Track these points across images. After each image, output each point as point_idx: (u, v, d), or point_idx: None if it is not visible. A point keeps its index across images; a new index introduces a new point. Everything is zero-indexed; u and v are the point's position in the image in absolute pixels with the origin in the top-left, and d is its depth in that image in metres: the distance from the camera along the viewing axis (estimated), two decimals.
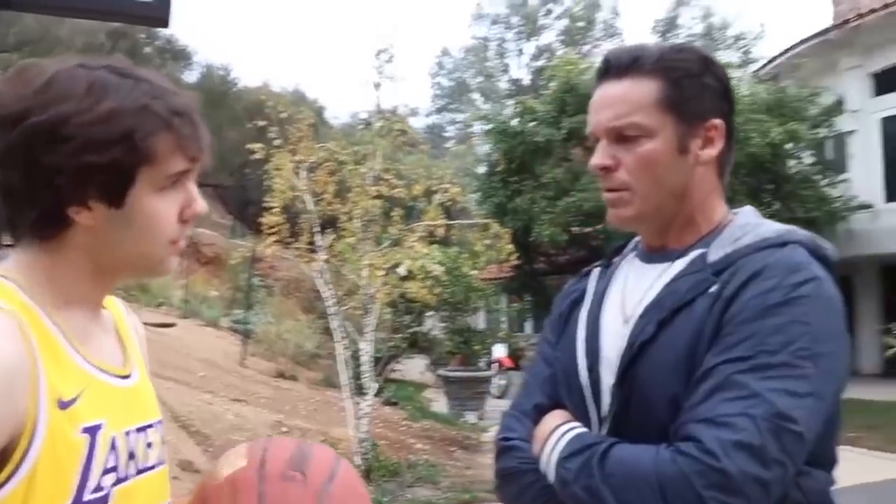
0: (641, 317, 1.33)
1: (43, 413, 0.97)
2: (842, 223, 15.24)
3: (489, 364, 16.30)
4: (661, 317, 1.29)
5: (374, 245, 8.68)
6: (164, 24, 2.97)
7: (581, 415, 1.37)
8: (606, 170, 1.37)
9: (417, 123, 41.61)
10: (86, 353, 1.09)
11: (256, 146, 8.45)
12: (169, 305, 18.22)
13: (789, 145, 15.03)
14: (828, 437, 1.27)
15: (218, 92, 28.37)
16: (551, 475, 1.28)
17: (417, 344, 15.14)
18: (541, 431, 1.36)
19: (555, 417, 1.37)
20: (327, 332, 9.04)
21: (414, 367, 16.86)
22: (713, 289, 1.27)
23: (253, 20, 74.98)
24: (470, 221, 9.81)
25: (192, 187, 1.15)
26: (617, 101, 1.36)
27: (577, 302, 1.52)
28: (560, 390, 1.44)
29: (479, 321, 19.89)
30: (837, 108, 16.66)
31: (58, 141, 1.01)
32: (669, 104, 1.34)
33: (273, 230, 8.57)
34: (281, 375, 13.17)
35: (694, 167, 1.37)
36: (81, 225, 1.07)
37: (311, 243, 8.75)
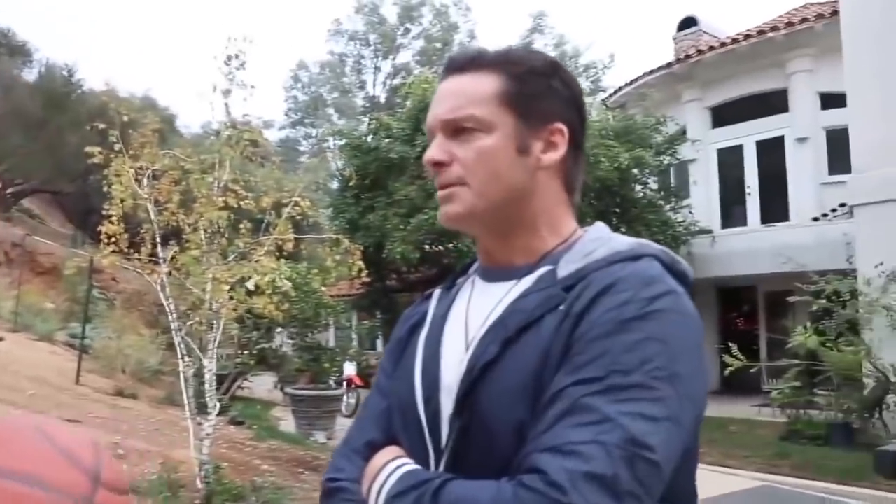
0: (484, 337, 1.22)
1: None
2: (683, 247, 15.99)
3: (339, 382, 16.09)
4: (505, 336, 1.19)
5: (219, 258, 8.36)
6: None
7: (417, 450, 1.25)
8: (439, 165, 1.29)
9: (271, 136, 40.92)
10: None
11: (94, 150, 7.99)
12: None
13: (635, 171, 15.65)
14: (687, 471, 1.19)
15: (60, 93, 26.74)
16: None
17: (266, 361, 14.80)
18: (370, 469, 1.24)
19: (385, 454, 1.26)
20: (171, 347, 8.64)
21: (262, 385, 16.46)
22: (563, 306, 1.18)
23: (103, 21, 71.91)
24: (321, 236, 9.61)
25: None
26: (454, 93, 1.30)
27: (417, 327, 1.40)
28: (395, 425, 1.32)
29: (330, 338, 19.67)
30: (680, 137, 17.57)
31: None
32: (510, 99, 1.27)
33: (111, 240, 8.11)
34: (120, 394, 12.50)
35: (535, 170, 1.29)
36: None
37: (154, 255, 8.35)
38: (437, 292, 1.45)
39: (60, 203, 31.67)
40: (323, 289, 12.46)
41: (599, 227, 1.35)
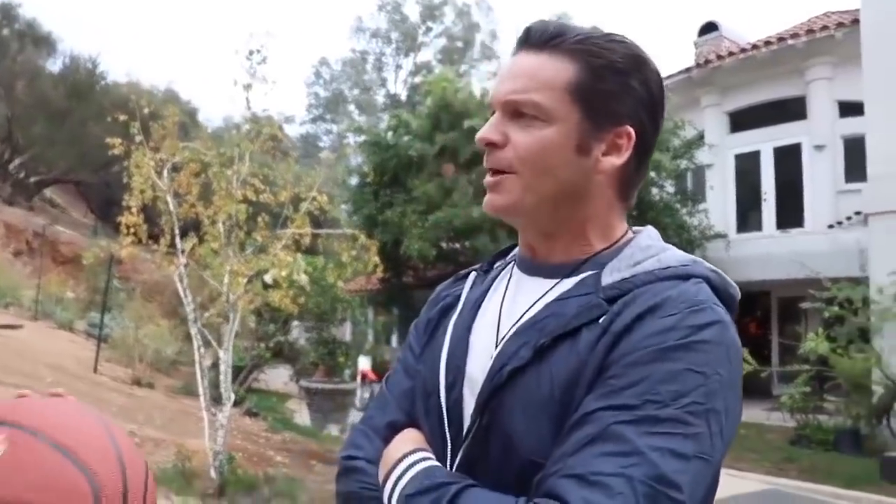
0: (515, 337, 1.16)
1: None
2: (698, 250, 15.98)
3: (354, 376, 16.21)
4: (539, 342, 1.12)
5: (237, 251, 8.49)
6: None
7: (436, 437, 1.21)
8: (492, 145, 1.20)
9: (292, 131, 41.13)
10: None
11: (115, 141, 8.14)
12: (18, 306, 17.31)
13: (653, 174, 15.67)
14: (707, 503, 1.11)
15: (83, 84, 26.99)
16: None
17: (282, 353, 14.92)
18: (388, 457, 1.20)
19: (404, 442, 1.21)
20: (189, 338, 8.77)
21: (278, 377, 16.59)
22: (603, 319, 1.11)
23: (127, 12, 72.31)
24: (338, 231, 9.73)
25: None
26: (524, 73, 1.19)
27: (449, 309, 1.34)
28: (417, 407, 1.26)
29: (345, 333, 19.79)
30: (698, 141, 17.55)
31: None
32: (580, 93, 1.17)
33: (131, 231, 8.26)
34: (137, 383, 12.68)
35: (592, 173, 1.19)
36: None
37: (173, 246, 8.49)
38: (472, 275, 1.38)
39: (82, 193, 31.95)
40: (340, 284, 12.55)
41: (651, 234, 1.27)
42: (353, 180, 18.89)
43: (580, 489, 0.97)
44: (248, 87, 8.36)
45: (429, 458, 1.17)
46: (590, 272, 1.19)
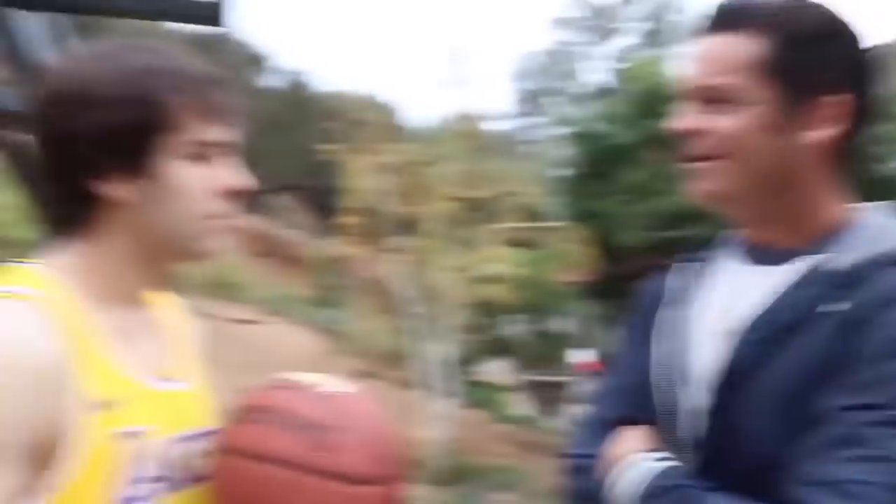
0: (746, 334, 1.08)
1: (78, 415, 0.94)
2: None
3: (572, 369, 16.14)
4: (770, 336, 1.05)
5: (452, 247, 8.68)
6: (218, 23, 3.01)
7: (662, 436, 1.15)
8: (690, 133, 1.14)
9: (498, 127, 41.49)
10: (126, 354, 1.04)
11: (329, 148, 8.56)
12: (256, 304, 18.58)
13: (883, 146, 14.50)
14: None
15: (297, 96, 28.80)
16: None
17: (500, 346, 15.10)
18: (614, 455, 1.15)
19: (631, 440, 1.16)
20: (411, 332, 9.08)
21: (497, 370, 16.81)
22: (840, 307, 1.02)
23: (330, 24, 75.97)
24: (549, 224, 9.71)
25: (230, 161, 1.09)
26: (713, 57, 1.12)
27: (662, 302, 1.26)
28: (639, 404, 1.20)
29: (563, 325, 19.74)
30: None
31: (79, 106, 1.00)
32: (773, 68, 1.08)
33: (350, 231, 8.66)
34: (364, 375, 13.27)
35: (799, 151, 1.10)
36: (113, 203, 1.03)
37: (389, 244, 8.82)
38: (682, 266, 1.29)
39: (306, 197, 33.88)
40: (556, 276, 12.53)
41: (882, 212, 1.16)
42: (563, 172, 18.83)
43: (831, 499, 0.91)
44: (451, 87, 8.53)
45: (657, 459, 1.11)
46: (814, 257, 1.09)
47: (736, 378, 1.06)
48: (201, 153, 1.05)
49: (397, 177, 8.69)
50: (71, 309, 0.99)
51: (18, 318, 0.93)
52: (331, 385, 1.13)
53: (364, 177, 8.62)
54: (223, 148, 1.08)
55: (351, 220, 8.71)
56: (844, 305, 1.01)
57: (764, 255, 1.15)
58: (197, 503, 1.07)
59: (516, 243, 9.74)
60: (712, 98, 1.12)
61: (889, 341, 0.96)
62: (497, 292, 8.91)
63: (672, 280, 1.29)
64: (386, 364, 14.89)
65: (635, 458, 1.11)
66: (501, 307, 11.12)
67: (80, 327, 0.98)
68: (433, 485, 7.30)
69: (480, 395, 13.29)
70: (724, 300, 1.16)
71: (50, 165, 1.03)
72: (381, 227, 8.87)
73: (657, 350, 1.20)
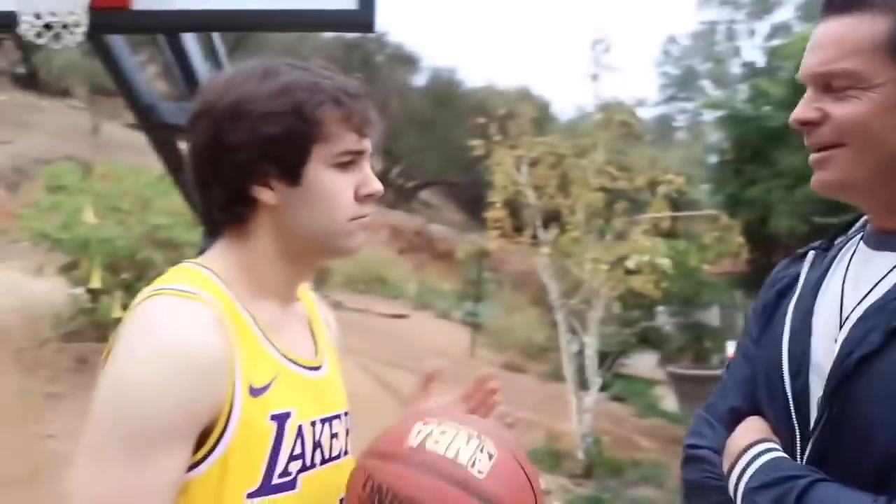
0: (864, 320, 1.06)
1: (238, 399, 1.06)
2: None
3: (723, 362, 15.69)
4: (890, 325, 1.02)
5: (596, 238, 8.63)
6: (370, 28, 3.14)
7: (782, 426, 1.14)
8: (809, 124, 1.12)
9: (645, 114, 40.50)
10: (278, 344, 1.16)
11: (476, 142, 8.66)
12: (404, 298, 19.02)
13: None
14: None
15: (445, 93, 29.19)
16: (739, 503, 1.09)
17: (648, 339, 14.86)
18: (732, 446, 1.15)
19: (749, 431, 1.15)
20: (556, 325, 9.10)
21: (644, 363, 16.57)
22: None
23: (477, 21, 76.56)
24: (697, 213, 9.49)
25: (367, 168, 1.20)
26: (831, 42, 1.09)
27: (787, 290, 1.24)
28: (759, 394, 1.19)
29: (713, 317, 19.21)
30: None
31: (238, 118, 1.11)
32: None
33: (496, 224, 8.75)
34: (509, 367, 13.39)
35: None
36: (266, 206, 1.15)
37: (535, 237, 8.86)
38: (811, 254, 1.27)
39: (453, 193, 34.28)
40: (705, 266, 12.20)
41: None
42: (713, 158, 18.26)
43: None
44: (594, 76, 8.47)
45: (775, 450, 1.10)
46: None
47: (851, 366, 1.04)
48: (344, 161, 1.16)
49: (544, 169, 8.72)
50: (229, 305, 1.11)
51: (188, 314, 1.06)
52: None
53: (511, 170, 8.70)
54: (361, 155, 1.18)
55: (498, 214, 8.81)
56: None
57: (890, 241, 1.12)
58: (332, 480, 1.19)
59: (664, 233, 9.56)
60: (830, 85, 1.10)
61: None
62: (644, 284, 8.78)
63: (794, 269, 1.27)
64: (532, 357, 14.96)
65: (749, 449, 1.12)
66: (649, 299, 10.95)
67: (237, 322, 1.11)
68: (576, 478, 7.31)
69: (627, 389, 13.14)
70: (848, 287, 1.14)
71: (212, 173, 1.15)
72: (527, 221, 8.92)
73: (776, 340, 1.19)
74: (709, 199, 16.21)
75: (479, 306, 16.27)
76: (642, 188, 8.86)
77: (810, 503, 0.99)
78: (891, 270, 1.09)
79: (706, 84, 41.19)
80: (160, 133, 4.63)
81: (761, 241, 15.34)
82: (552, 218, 9.18)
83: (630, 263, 9.23)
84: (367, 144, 1.19)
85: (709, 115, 20.04)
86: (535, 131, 9.48)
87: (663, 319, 15.78)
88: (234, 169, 1.13)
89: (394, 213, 27.12)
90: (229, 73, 1.20)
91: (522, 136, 8.80)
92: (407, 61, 31.16)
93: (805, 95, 1.14)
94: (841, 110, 1.08)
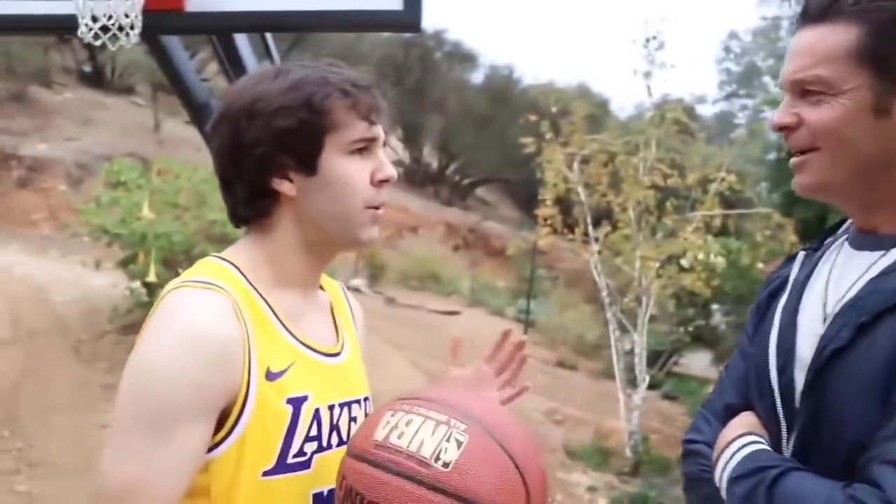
0: (839, 317, 1.11)
1: (254, 383, 1.13)
2: None
3: None
4: (860, 320, 1.06)
5: (648, 236, 8.60)
6: (416, 28, 3.20)
7: (770, 420, 1.18)
8: (786, 129, 1.17)
9: (705, 111, 39.89)
10: (296, 331, 1.22)
11: (528, 140, 8.69)
12: (458, 294, 19.11)
13: None
14: None
15: (502, 90, 29.18)
16: (723, 493, 1.14)
17: (702, 338, 14.72)
18: (721, 439, 1.20)
19: (738, 426, 1.21)
20: (608, 323, 9.09)
21: (698, 362, 16.40)
22: None
23: (537, 17, 76.22)
24: (749, 211, 9.38)
25: (381, 154, 1.25)
26: (805, 50, 1.15)
27: (778, 291, 1.30)
28: (751, 390, 1.25)
29: None
30: None
31: (253, 116, 1.18)
32: (866, 55, 1.10)
33: (547, 222, 8.77)
34: (561, 364, 13.38)
35: (894, 135, 1.11)
36: (286, 198, 1.22)
37: (586, 234, 8.86)
38: (801, 254, 1.32)
39: (509, 190, 34.21)
40: (759, 265, 12.04)
41: None
42: (771, 156, 17.97)
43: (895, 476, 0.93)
44: (647, 74, 8.43)
45: (757, 442, 1.16)
46: None
47: (824, 361, 1.08)
48: (358, 148, 1.22)
49: (596, 167, 8.71)
50: (247, 295, 1.19)
51: (206, 303, 1.12)
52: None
53: (562, 167, 8.71)
54: (374, 143, 1.24)
55: (549, 211, 8.83)
56: None
57: (868, 240, 1.17)
58: None
59: (716, 231, 9.49)
60: (805, 91, 1.14)
61: None
62: (695, 282, 8.73)
63: (785, 271, 1.32)
64: (584, 354, 14.93)
65: (733, 442, 1.17)
66: (703, 297, 10.86)
67: (254, 310, 1.18)
68: (622, 475, 7.31)
69: (679, 387, 13.04)
70: (830, 286, 1.19)
71: (234, 171, 1.22)
72: (579, 218, 8.93)
73: (765, 338, 1.24)
74: (766, 197, 16.00)
75: (532, 303, 16.27)
76: (694, 186, 8.80)
77: (780, 491, 1.03)
78: (868, 269, 1.14)
79: (768, 81, 40.39)
80: None
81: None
82: (604, 215, 9.17)
83: (684, 261, 9.18)
84: (378, 132, 1.24)
85: (769, 113, 19.71)
86: (592, 129, 9.47)
87: (718, 318, 15.59)
88: (253, 164, 1.19)
89: (449, 210, 27.22)
90: (245, 77, 1.27)
91: (574, 134, 8.80)
92: (465, 58, 31.17)
93: (783, 101, 1.19)
94: (814, 115, 1.13)
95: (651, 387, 10.44)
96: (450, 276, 20.10)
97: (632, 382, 8.41)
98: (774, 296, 1.30)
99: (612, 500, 6.68)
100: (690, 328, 13.77)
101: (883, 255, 1.13)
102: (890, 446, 0.96)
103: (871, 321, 1.06)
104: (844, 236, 1.25)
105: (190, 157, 10.21)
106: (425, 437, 1.03)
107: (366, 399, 1.34)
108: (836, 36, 1.12)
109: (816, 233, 1.35)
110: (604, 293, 8.80)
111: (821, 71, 1.12)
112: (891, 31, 1.11)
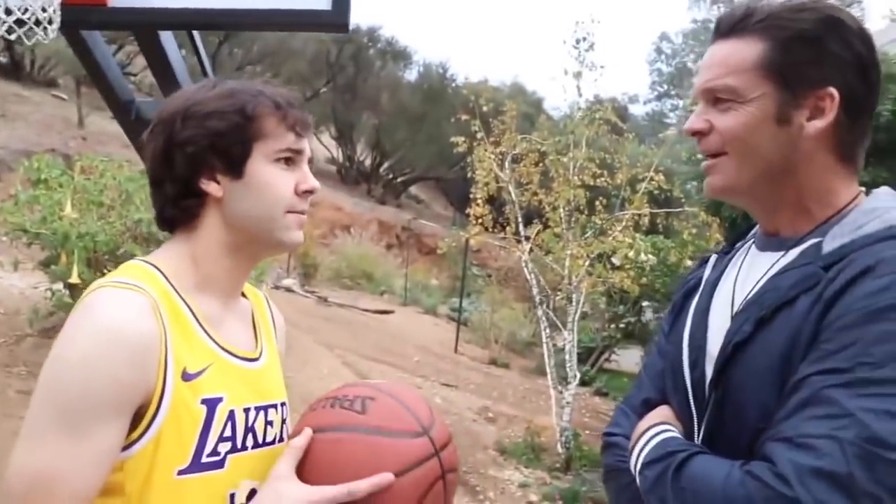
0: (740, 314, 1.21)
1: (170, 382, 1.15)
2: None
3: None
4: (759, 315, 1.15)
5: (577, 235, 8.70)
6: (344, 29, 3.19)
7: (684, 412, 1.27)
8: (698, 134, 1.25)
9: (636, 111, 40.83)
10: (214, 335, 1.26)
11: (459, 139, 8.73)
12: (391, 293, 19.07)
13: None
14: None
15: (436, 88, 29.21)
16: (637, 479, 1.21)
17: (633, 335, 14.94)
18: (637, 430, 1.28)
19: (653, 417, 1.29)
20: (540, 320, 9.18)
21: (629, 359, 16.65)
22: (818, 286, 1.11)
23: (472, 15, 76.55)
24: (677, 210, 9.56)
25: (306, 167, 1.32)
26: (717, 62, 1.24)
27: (692, 291, 1.39)
28: (667, 385, 1.33)
29: None
30: None
31: (188, 118, 1.25)
32: (771, 68, 1.19)
33: (478, 220, 8.82)
34: (493, 363, 13.45)
35: (798, 141, 1.20)
36: (212, 199, 1.27)
37: (517, 233, 8.93)
38: (713, 257, 1.42)
39: (442, 188, 34.33)
40: (688, 263, 12.27)
41: (880, 196, 1.23)
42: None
43: (788, 452, 1.00)
44: (578, 74, 8.53)
45: (668, 430, 1.24)
46: (812, 241, 1.19)
47: (728, 354, 1.18)
48: (284, 157, 1.29)
49: (527, 166, 8.79)
50: (167, 296, 1.21)
51: (123, 301, 1.14)
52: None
53: (496, 167, 8.77)
54: (300, 155, 1.31)
55: (482, 210, 8.88)
56: (822, 285, 1.10)
57: (772, 242, 1.27)
58: (264, 464, 1.26)
59: (647, 230, 9.65)
60: (716, 99, 1.24)
61: (851, 312, 1.05)
62: (623, 280, 8.87)
63: (699, 272, 1.43)
64: (516, 352, 15.03)
65: (647, 431, 1.25)
66: (633, 295, 11.03)
67: (174, 312, 1.20)
68: (554, 471, 7.38)
69: (610, 384, 13.23)
70: (737, 285, 1.29)
71: (165, 170, 1.27)
72: (512, 217, 9.00)
73: (679, 336, 1.33)
74: (695, 196, 16.30)
75: (465, 302, 16.32)
76: (623, 185, 8.94)
77: (686, 472, 1.10)
78: (770, 268, 1.23)
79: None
80: (139, 128, 4.64)
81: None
82: (535, 214, 9.26)
83: (615, 259, 9.32)
84: (304, 145, 1.31)
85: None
86: (525, 128, 9.54)
87: (649, 315, 15.84)
88: (183, 163, 1.25)
89: (382, 209, 27.14)
90: (186, 88, 1.35)
91: (505, 133, 8.87)
92: (398, 56, 31.08)
93: (697, 108, 1.28)
94: (723, 122, 1.23)
95: (583, 383, 10.58)
96: (383, 274, 20.04)
97: (563, 379, 8.50)
98: (689, 296, 1.40)
99: (544, 495, 6.74)
100: (621, 325, 13.97)
101: (783, 256, 1.23)
102: (781, 426, 1.05)
103: (769, 315, 1.15)
104: (752, 240, 1.35)
105: (116, 153, 9.95)
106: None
107: (283, 404, 1.39)
108: (745, 50, 1.22)
109: (744, 229, 1.43)
110: (535, 291, 8.87)
111: (730, 81, 1.22)
112: (792, 47, 1.20)
